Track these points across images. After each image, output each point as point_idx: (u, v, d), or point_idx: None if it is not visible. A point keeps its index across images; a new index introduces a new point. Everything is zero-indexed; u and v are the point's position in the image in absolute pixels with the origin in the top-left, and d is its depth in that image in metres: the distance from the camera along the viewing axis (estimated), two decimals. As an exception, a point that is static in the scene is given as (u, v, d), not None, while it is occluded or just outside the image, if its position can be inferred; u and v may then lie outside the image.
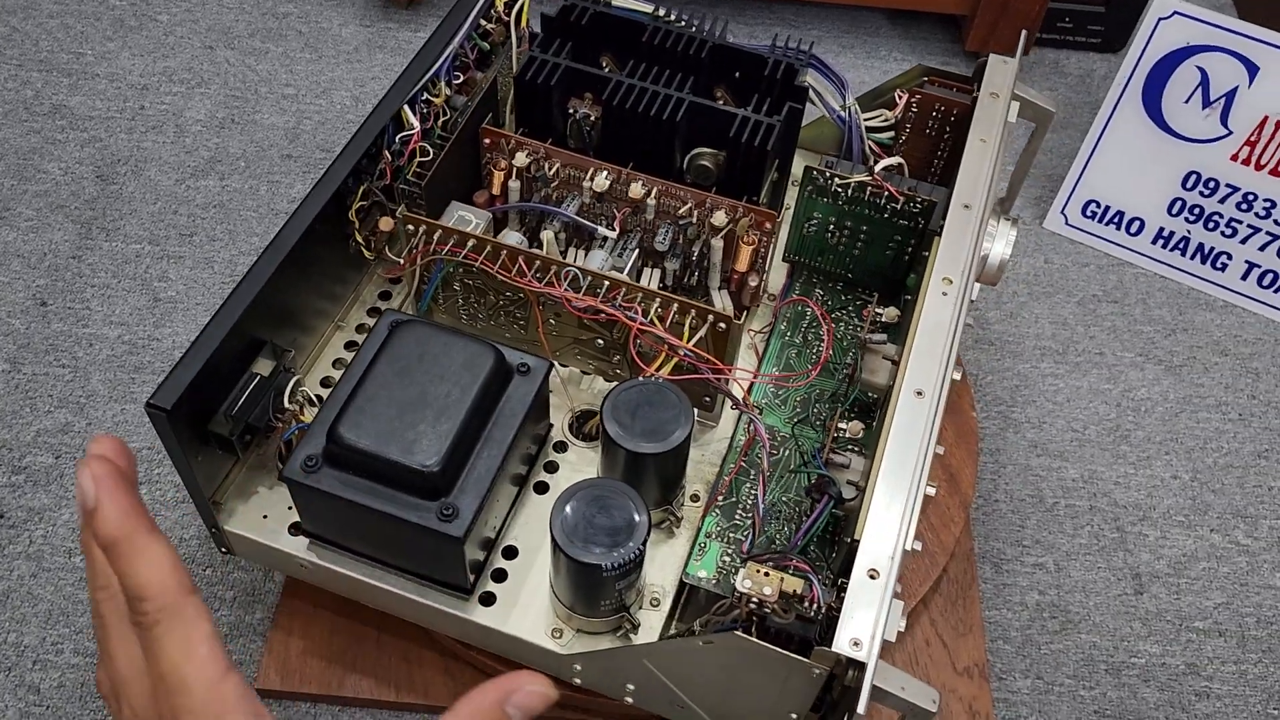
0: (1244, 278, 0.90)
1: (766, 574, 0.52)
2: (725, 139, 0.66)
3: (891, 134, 0.73)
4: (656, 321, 0.62)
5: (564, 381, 0.69)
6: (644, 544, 0.53)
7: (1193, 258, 0.92)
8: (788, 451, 0.65)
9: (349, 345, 0.68)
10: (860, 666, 0.47)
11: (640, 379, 0.60)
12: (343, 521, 0.58)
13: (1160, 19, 0.84)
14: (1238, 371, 0.87)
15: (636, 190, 0.66)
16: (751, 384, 0.68)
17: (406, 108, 0.66)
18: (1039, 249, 0.94)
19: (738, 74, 0.68)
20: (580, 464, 0.65)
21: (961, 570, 0.73)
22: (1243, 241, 0.89)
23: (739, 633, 0.51)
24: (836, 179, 0.67)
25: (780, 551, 0.56)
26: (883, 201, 0.66)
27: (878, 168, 0.67)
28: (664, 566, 0.62)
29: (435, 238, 0.64)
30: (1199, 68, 0.85)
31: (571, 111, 0.68)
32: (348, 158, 0.63)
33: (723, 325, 0.61)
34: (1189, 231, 0.91)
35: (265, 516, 0.61)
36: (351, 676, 0.67)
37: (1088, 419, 0.83)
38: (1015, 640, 0.72)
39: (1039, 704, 0.70)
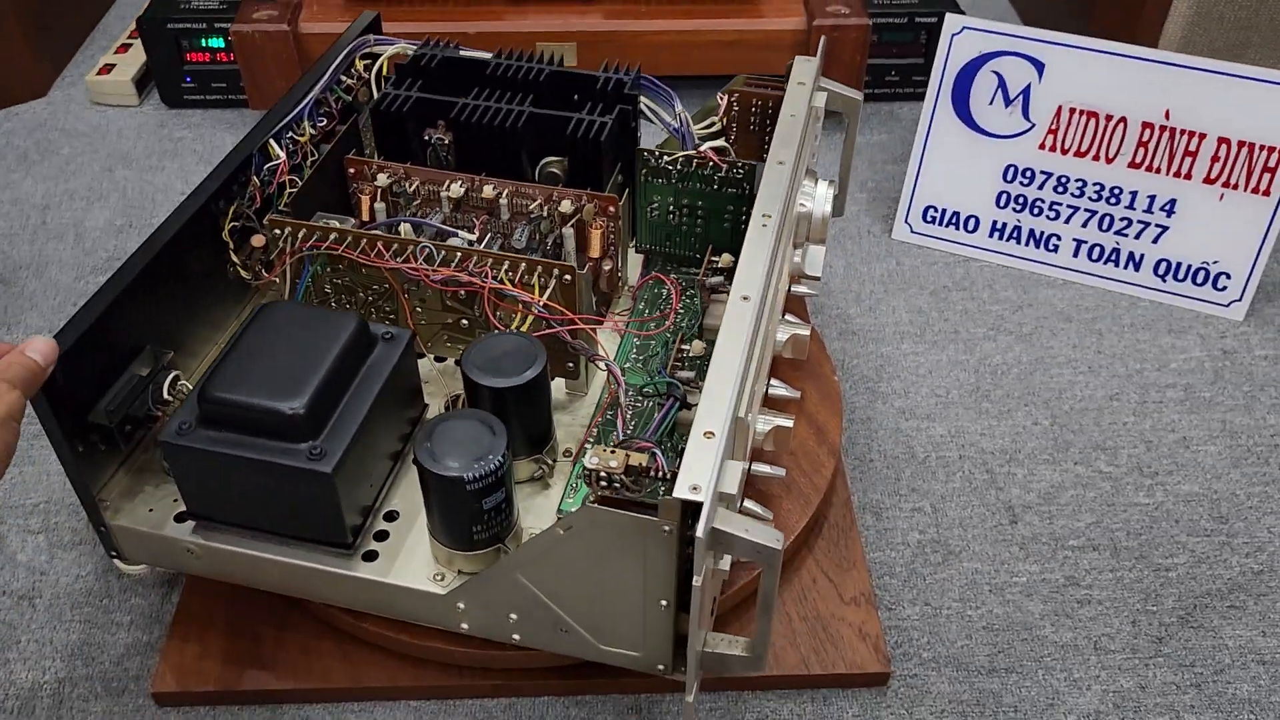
0: (1075, 255, 0.99)
1: (612, 451, 0.55)
2: (564, 141, 0.73)
3: (722, 138, 0.81)
4: (506, 282, 0.67)
5: (440, 373, 0.74)
6: (504, 457, 0.57)
7: (1027, 244, 1.00)
8: (650, 404, 0.69)
9: None
10: (698, 507, 0.50)
11: (494, 333, 0.65)
12: (221, 484, 0.60)
13: (953, 35, 0.95)
14: (1083, 333, 0.94)
15: (489, 192, 0.73)
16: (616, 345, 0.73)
17: (272, 141, 0.73)
18: (890, 254, 1.02)
19: (575, 95, 0.77)
20: None
21: (841, 515, 0.76)
22: (1067, 222, 0.98)
23: (589, 506, 0.54)
24: (665, 155, 0.74)
25: (627, 439, 0.60)
26: (709, 172, 0.74)
27: (703, 148, 0.75)
28: (540, 515, 0.65)
29: (300, 236, 0.69)
30: (995, 72, 0.95)
31: (427, 138, 0.75)
32: (215, 177, 0.69)
33: (568, 277, 0.67)
34: (1019, 221, 0.99)
35: (151, 510, 0.64)
36: (249, 672, 0.67)
37: (950, 385, 0.89)
38: (900, 575, 0.75)
39: (929, 627, 0.72)
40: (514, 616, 0.60)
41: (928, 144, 1.00)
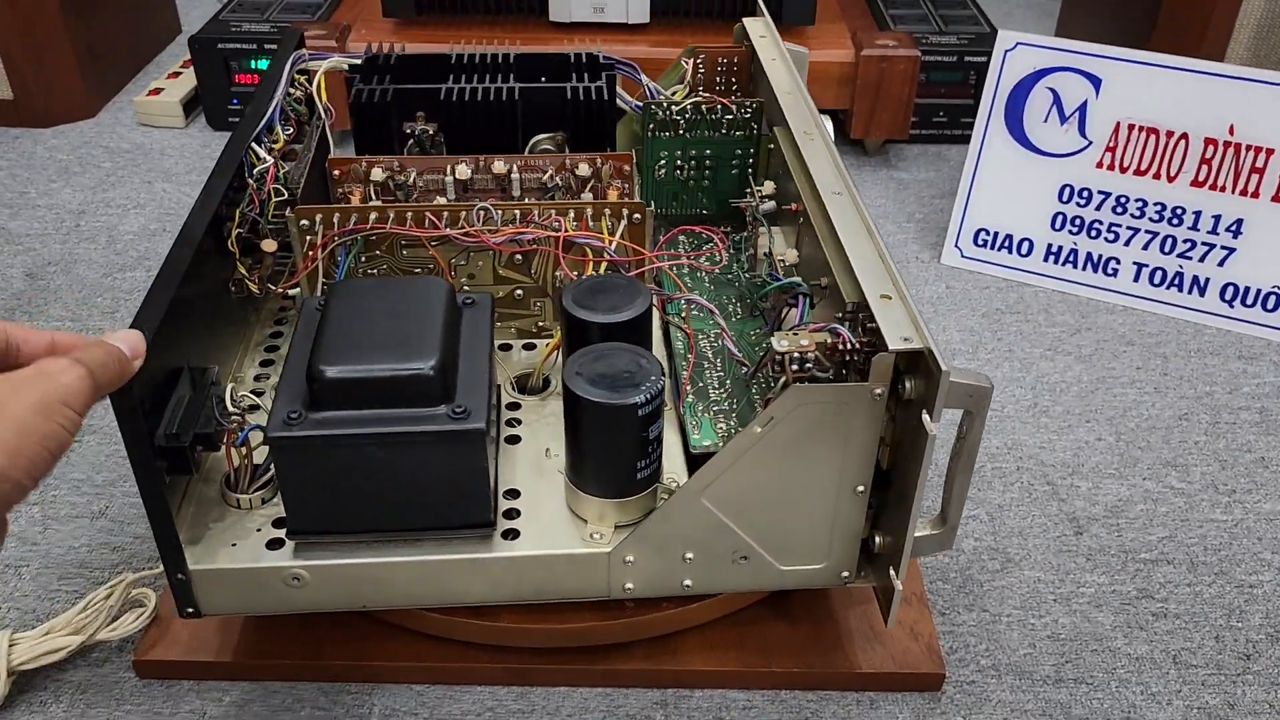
0: (1135, 279, 0.94)
1: (795, 333, 0.52)
2: (561, 112, 0.71)
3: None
4: (568, 228, 0.64)
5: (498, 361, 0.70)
6: (663, 380, 0.53)
7: (1084, 268, 0.95)
8: (721, 358, 0.66)
9: (257, 381, 0.66)
10: (919, 356, 0.49)
11: (587, 275, 0.61)
12: (342, 480, 0.53)
13: (1006, 51, 0.93)
14: (1147, 355, 0.88)
15: (499, 167, 0.69)
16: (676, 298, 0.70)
17: (255, 145, 0.67)
18: (939, 279, 0.98)
19: (543, 78, 0.74)
20: (539, 415, 0.63)
21: (889, 515, 0.70)
22: (1126, 244, 0.94)
23: (795, 385, 0.51)
24: (673, 106, 0.72)
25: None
26: (719, 115, 0.72)
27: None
28: (665, 457, 0.58)
29: (335, 220, 0.66)
30: (1050, 89, 0.93)
31: (409, 131, 0.71)
32: (219, 182, 0.63)
33: (638, 216, 0.64)
34: (1075, 243, 0.95)
35: (234, 545, 0.55)
36: (235, 645, 0.61)
37: (1004, 400, 0.83)
38: (955, 580, 0.68)
39: (987, 634, 0.65)
40: (690, 555, 0.56)
41: (979, 164, 0.97)
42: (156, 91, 1.21)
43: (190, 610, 0.55)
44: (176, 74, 1.25)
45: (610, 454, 0.54)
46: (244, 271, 0.65)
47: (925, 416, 0.48)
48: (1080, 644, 0.64)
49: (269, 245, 0.65)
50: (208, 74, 1.16)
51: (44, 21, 1.15)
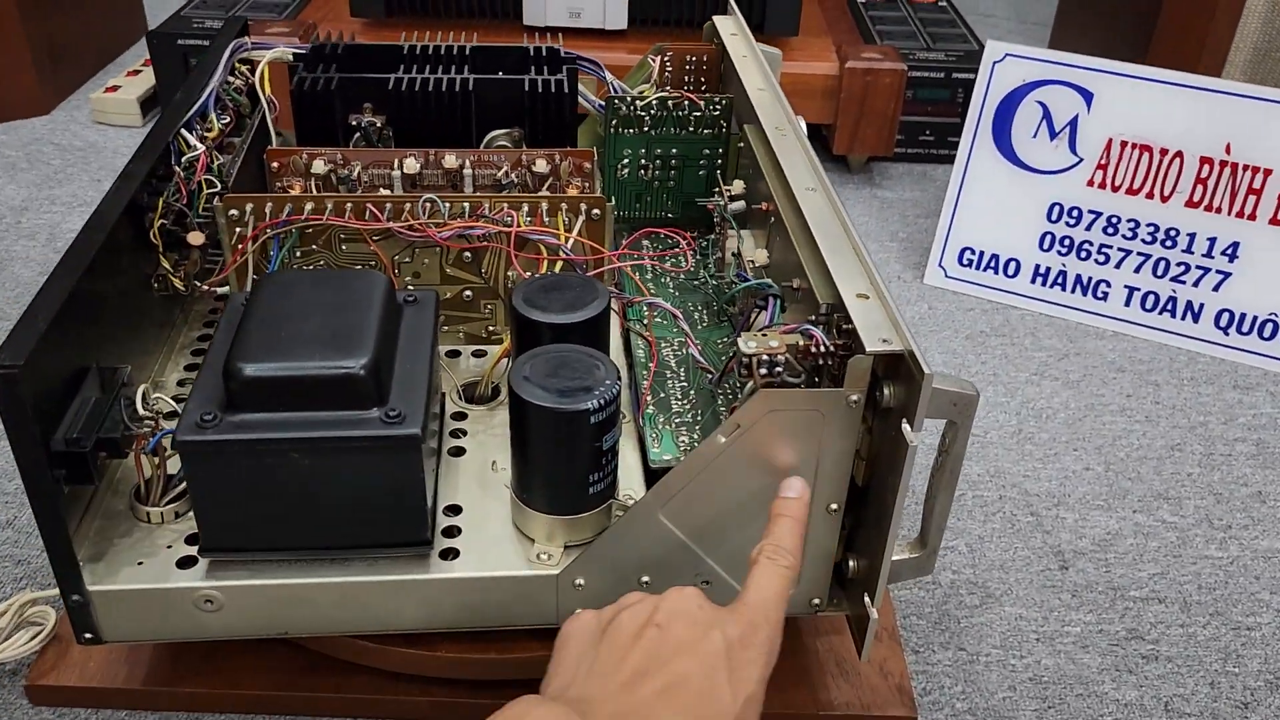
0: (1127, 304, 0.90)
1: (765, 334, 0.48)
2: (519, 105, 0.66)
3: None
4: (521, 223, 0.59)
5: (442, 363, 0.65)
6: (619, 384, 0.48)
7: (1073, 291, 0.91)
8: (683, 367, 0.61)
9: (181, 386, 0.60)
10: (899, 360, 0.44)
11: (541, 274, 0.57)
12: (260, 489, 0.47)
13: (994, 63, 0.89)
14: (1138, 383, 0.84)
15: (450, 162, 0.64)
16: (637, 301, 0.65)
17: (185, 131, 0.62)
18: (921, 299, 0.94)
19: (500, 71, 0.69)
20: (486, 425, 0.58)
21: (862, 544, 0.65)
22: (1117, 266, 0.89)
23: (764, 389, 0.46)
24: (638, 101, 0.68)
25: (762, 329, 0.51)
26: (686, 112, 0.68)
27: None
28: (621, 473, 0.54)
29: (268, 210, 0.60)
30: (1039, 102, 0.89)
31: (355, 123, 0.67)
32: (136, 169, 0.57)
33: (597, 211, 0.59)
34: (1064, 265, 0.91)
35: (140, 563, 0.49)
36: (138, 672, 0.56)
37: (987, 425, 0.79)
38: (930, 616, 0.63)
39: (964, 674, 0.60)
40: (646, 579, 0.51)
41: (965, 180, 0.93)
42: (114, 89, 1.16)
43: (89, 635, 0.50)
44: (136, 72, 1.21)
45: (560, 466, 0.49)
46: (168, 266, 0.60)
47: (905, 426, 0.44)
48: (1064, 687, 0.59)
49: (195, 238, 0.61)
50: (167, 71, 1.11)
51: (-1, 16, 1.11)
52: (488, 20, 1.11)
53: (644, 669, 0.38)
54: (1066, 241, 0.91)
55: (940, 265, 0.95)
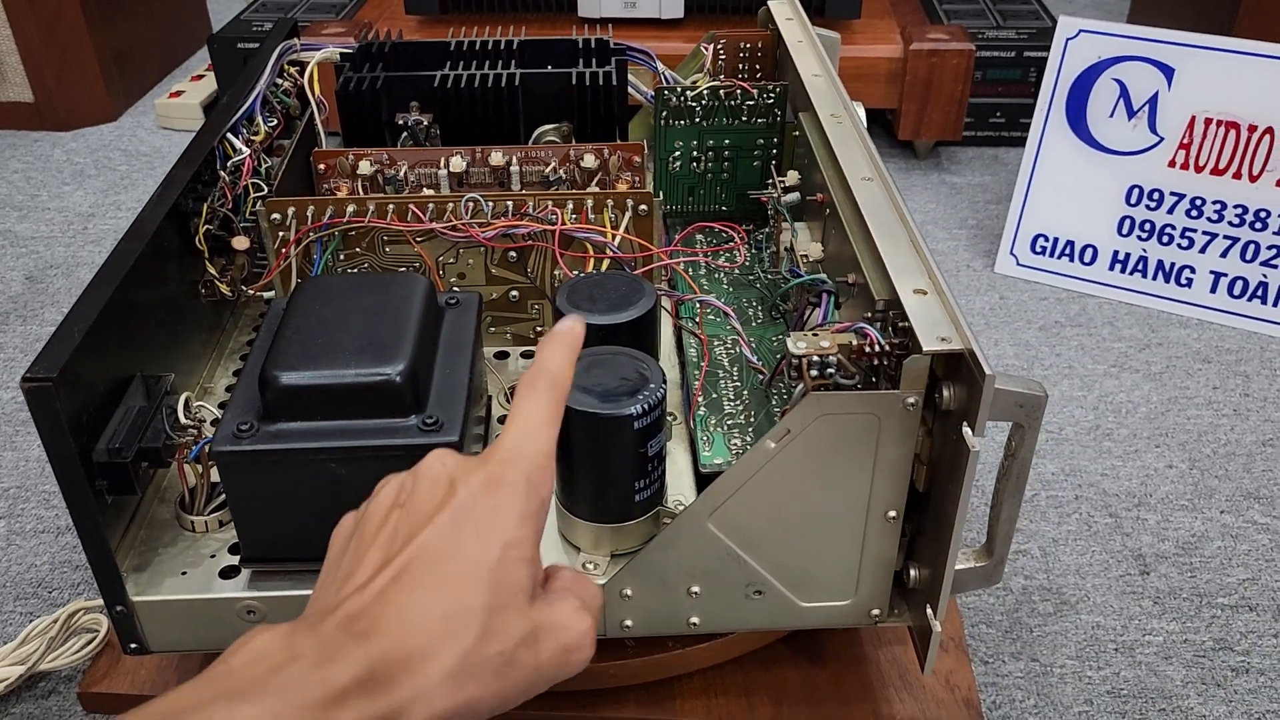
0: (1213, 290, 0.85)
1: (815, 334, 0.45)
2: (567, 100, 0.65)
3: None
4: (566, 220, 0.57)
5: (488, 365, 0.64)
6: (664, 388, 0.46)
7: (1154, 278, 0.87)
8: (736, 366, 0.59)
9: (229, 392, 0.59)
10: (958, 359, 0.41)
11: (584, 273, 0.55)
12: (298, 499, 0.47)
13: (1068, 40, 0.85)
14: (1225, 374, 0.79)
15: (498, 159, 0.63)
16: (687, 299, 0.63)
17: (230, 135, 0.62)
18: (992, 288, 0.90)
19: (548, 65, 0.68)
20: None
21: (927, 549, 0.63)
22: (1202, 251, 0.85)
23: (814, 392, 0.44)
24: (689, 92, 0.66)
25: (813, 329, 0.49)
26: (739, 101, 0.66)
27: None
28: (672, 477, 0.53)
29: (310, 213, 0.60)
30: (1116, 80, 0.84)
31: (401, 121, 0.66)
32: (181, 174, 0.57)
33: (644, 207, 0.57)
34: (1144, 250, 0.86)
35: (184, 573, 0.49)
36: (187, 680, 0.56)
37: (1063, 421, 0.75)
38: (1001, 624, 0.60)
39: (1037, 687, 0.57)
40: (696, 589, 0.49)
41: (1038, 163, 0.88)
42: (177, 94, 1.17)
43: (134, 645, 0.49)
44: (200, 76, 1.22)
45: (604, 473, 0.47)
46: (214, 272, 0.59)
47: (966, 430, 0.41)
48: (1146, 701, 0.56)
49: (240, 243, 0.60)
50: (228, 75, 1.12)
51: (66, 26, 1.13)
52: (542, 14, 1.09)
53: (385, 558, 0.33)
54: (1146, 226, 0.86)
55: (1012, 253, 0.91)
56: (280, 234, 0.58)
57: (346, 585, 0.33)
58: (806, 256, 0.57)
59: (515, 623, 0.33)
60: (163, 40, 1.31)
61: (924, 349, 0.42)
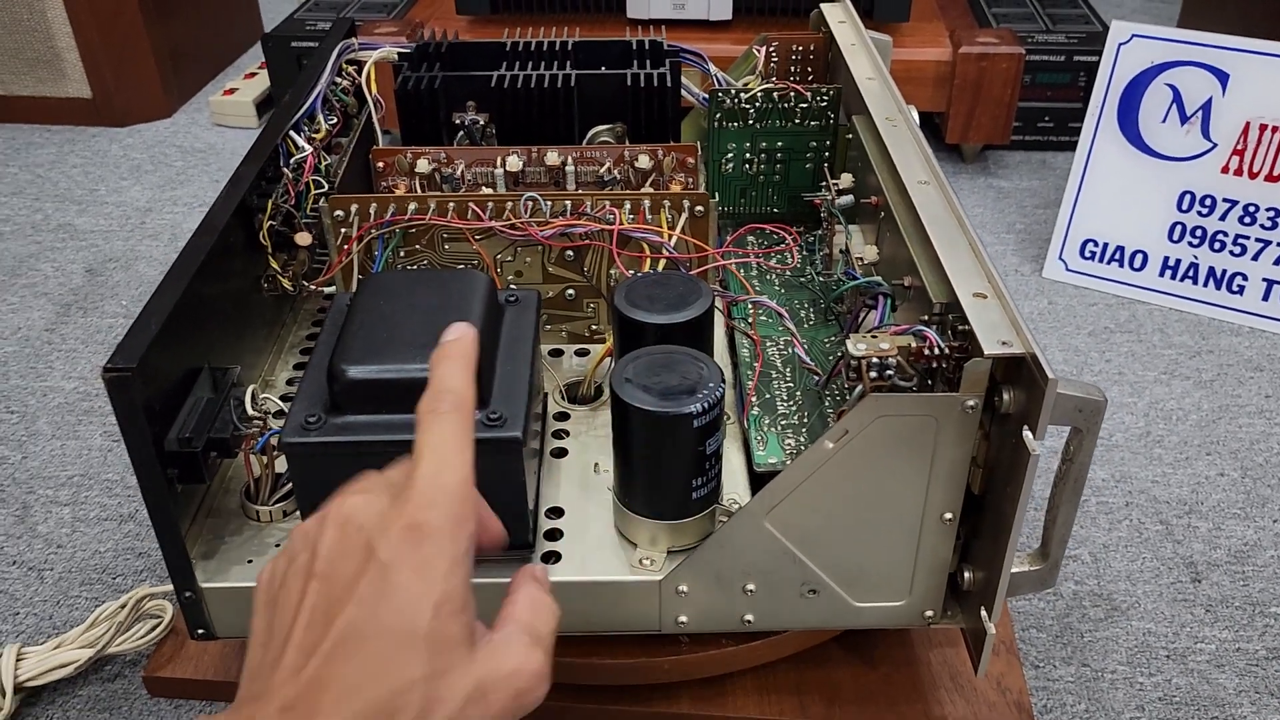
0: (1265, 298, 0.84)
1: (874, 336, 0.46)
2: (622, 101, 0.65)
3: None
4: (622, 220, 0.58)
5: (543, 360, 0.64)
6: (722, 387, 0.47)
7: (1206, 284, 0.86)
8: (788, 367, 0.60)
9: (290, 385, 0.61)
10: (1019, 363, 0.42)
11: (643, 272, 0.56)
12: None
13: (1120, 44, 0.85)
14: (1278, 383, 0.79)
15: (553, 158, 0.63)
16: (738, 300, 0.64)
17: (293, 133, 0.63)
18: (1040, 293, 0.90)
19: (603, 66, 0.68)
20: (589, 426, 0.58)
21: (977, 552, 0.63)
22: (1254, 259, 0.84)
23: (873, 394, 0.44)
24: (742, 94, 0.66)
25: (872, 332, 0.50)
26: (792, 104, 0.66)
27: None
28: (725, 476, 0.52)
29: (372, 211, 0.61)
30: (1169, 85, 0.84)
31: (458, 121, 0.67)
32: (247, 170, 0.59)
33: (700, 208, 0.58)
34: (1196, 257, 0.86)
35: (250, 561, 0.50)
36: (259, 667, 0.57)
37: (1113, 427, 0.75)
38: (1051, 629, 0.60)
39: (1088, 691, 0.57)
40: (751, 587, 0.49)
41: (1088, 167, 0.88)
42: (231, 91, 1.19)
43: (201, 631, 0.51)
44: (253, 74, 1.24)
45: (662, 470, 0.48)
46: (277, 267, 0.61)
47: (1027, 433, 0.41)
48: (1198, 709, 0.56)
49: (303, 239, 0.61)
50: (281, 73, 1.14)
51: (124, 24, 1.15)
52: (591, 14, 1.10)
53: (311, 640, 0.31)
54: (1198, 232, 0.85)
55: (1060, 258, 0.91)
56: (342, 230, 0.59)
57: (278, 671, 0.31)
58: (861, 259, 0.58)
59: (459, 683, 0.31)
60: (216, 38, 1.33)
61: (985, 352, 0.42)
